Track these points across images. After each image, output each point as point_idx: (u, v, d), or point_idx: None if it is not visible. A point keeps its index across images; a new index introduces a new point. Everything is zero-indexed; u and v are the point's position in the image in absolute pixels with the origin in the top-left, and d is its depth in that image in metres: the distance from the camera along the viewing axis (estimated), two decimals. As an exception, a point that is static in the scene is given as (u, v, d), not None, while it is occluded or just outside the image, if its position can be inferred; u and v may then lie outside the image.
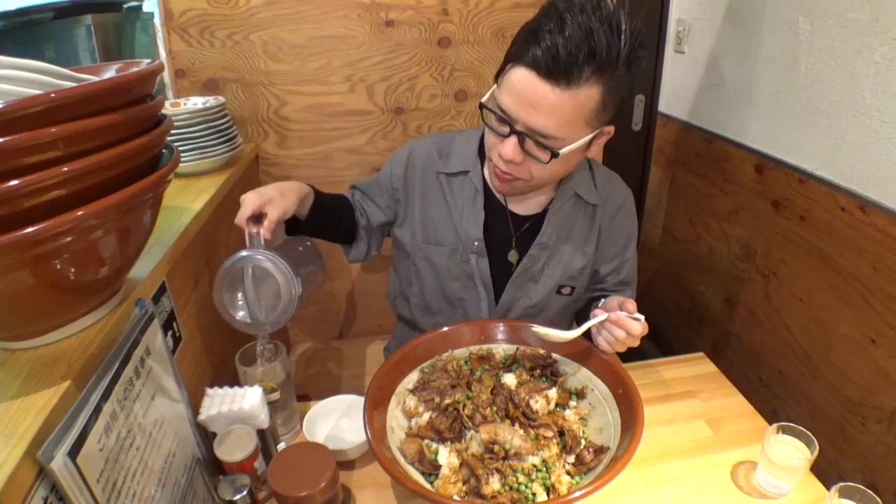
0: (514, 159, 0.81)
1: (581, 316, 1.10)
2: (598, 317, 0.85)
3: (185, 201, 0.95)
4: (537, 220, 0.99)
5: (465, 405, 0.79)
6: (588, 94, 0.75)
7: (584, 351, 0.88)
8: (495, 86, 0.83)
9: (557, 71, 0.72)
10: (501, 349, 0.92)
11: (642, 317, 0.84)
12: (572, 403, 0.84)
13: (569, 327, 1.15)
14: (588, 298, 1.09)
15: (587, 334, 0.87)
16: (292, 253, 0.91)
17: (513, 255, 1.01)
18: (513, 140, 0.80)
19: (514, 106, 0.78)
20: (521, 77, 0.75)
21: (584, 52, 0.71)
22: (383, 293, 1.23)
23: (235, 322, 0.80)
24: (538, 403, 0.79)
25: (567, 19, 0.71)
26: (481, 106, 0.83)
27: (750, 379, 1.43)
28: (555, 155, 0.79)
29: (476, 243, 0.99)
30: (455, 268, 1.02)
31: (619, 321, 0.83)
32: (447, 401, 0.80)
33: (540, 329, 0.86)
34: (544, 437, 0.75)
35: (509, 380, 0.84)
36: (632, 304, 0.85)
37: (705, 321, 1.64)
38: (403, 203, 1.04)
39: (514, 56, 0.77)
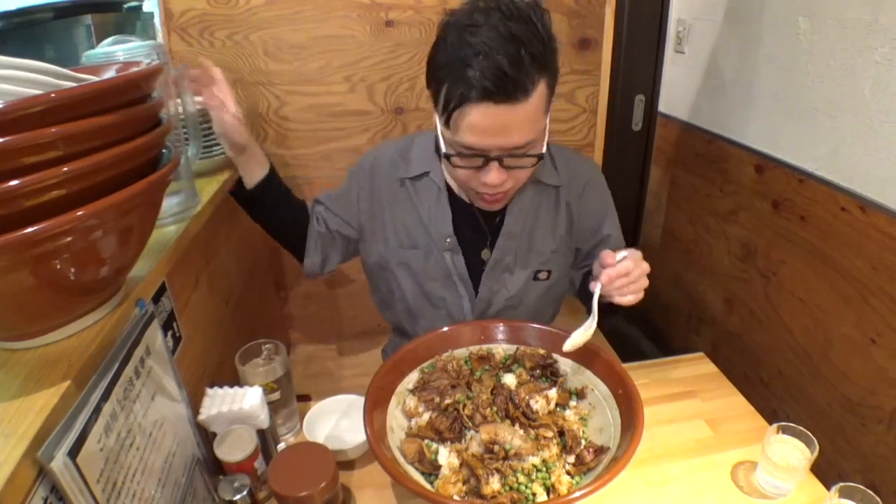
0: (502, 183, 0.82)
1: (584, 294, 1.08)
2: (595, 290, 0.82)
3: (185, 201, 0.95)
4: (504, 213, 0.99)
5: (464, 405, 0.79)
6: (540, 91, 0.76)
7: (585, 351, 0.88)
8: (443, 128, 0.81)
9: (513, 89, 0.72)
10: (501, 349, 0.92)
11: (625, 252, 0.81)
12: (572, 403, 0.84)
13: (553, 315, 1.15)
14: (582, 276, 1.08)
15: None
16: None
17: (486, 253, 1.01)
18: (493, 166, 0.80)
19: (484, 139, 0.77)
20: (480, 112, 0.74)
21: (526, 58, 0.72)
22: (383, 293, 1.24)
23: None
24: (538, 404, 0.79)
25: (486, 36, 0.71)
26: (446, 156, 0.82)
27: (750, 379, 1.43)
28: (540, 157, 0.81)
29: (448, 240, 0.99)
30: (432, 269, 1.02)
31: (611, 276, 0.80)
32: (447, 401, 0.80)
33: (566, 343, 0.83)
34: (544, 438, 0.75)
35: (509, 380, 0.84)
36: (609, 256, 0.81)
37: (705, 321, 1.64)
38: (369, 215, 1.03)
39: (458, 98, 0.75)
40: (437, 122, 0.83)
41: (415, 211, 1.01)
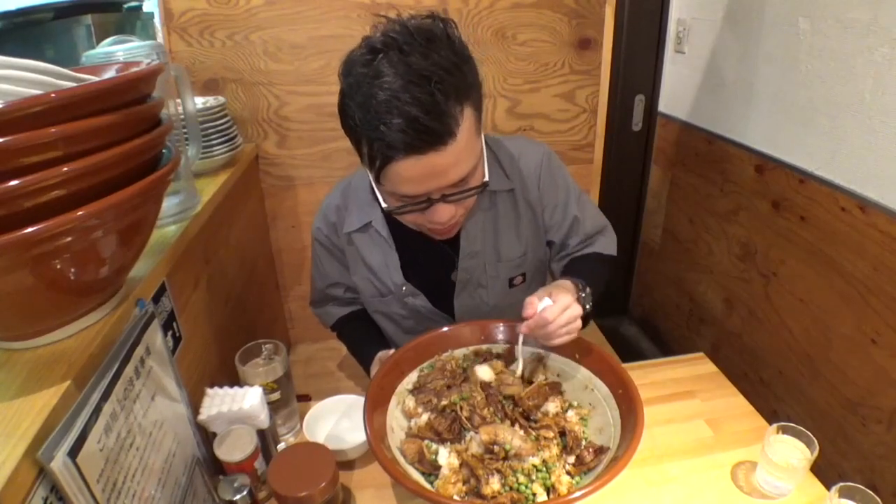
0: (452, 217, 0.79)
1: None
2: (519, 338, 0.82)
3: (185, 201, 0.95)
4: (458, 233, 0.94)
5: (461, 407, 0.79)
6: (467, 121, 0.70)
7: (585, 351, 0.88)
8: (375, 184, 0.77)
9: (436, 138, 0.67)
10: (500, 348, 0.91)
11: (548, 301, 0.78)
12: (574, 403, 0.84)
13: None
14: (563, 268, 1.05)
15: None
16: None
17: (455, 275, 0.99)
18: (438, 206, 0.76)
19: (420, 187, 0.73)
20: (408, 166, 0.69)
21: (440, 97, 0.65)
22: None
23: None
24: (556, 407, 0.80)
25: (392, 87, 0.65)
26: (387, 211, 0.80)
27: (750, 379, 1.43)
28: (485, 185, 0.79)
29: (404, 288, 0.98)
30: (403, 311, 1.02)
31: (530, 326, 0.78)
32: (444, 402, 0.80)
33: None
34: (545, 438, 0.75)
35: (484, 374, 0.84)
36: (530, 306, 0.78)
37: (705, 321, 1.64)
38: (347, 267, 1.05)
39: (381, 157, 0.69)
40: (368, 174, 0.78)
41: (366, 264, 1.00)
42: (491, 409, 0.79)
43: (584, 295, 0.86)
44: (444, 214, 0.77)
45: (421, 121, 0.65)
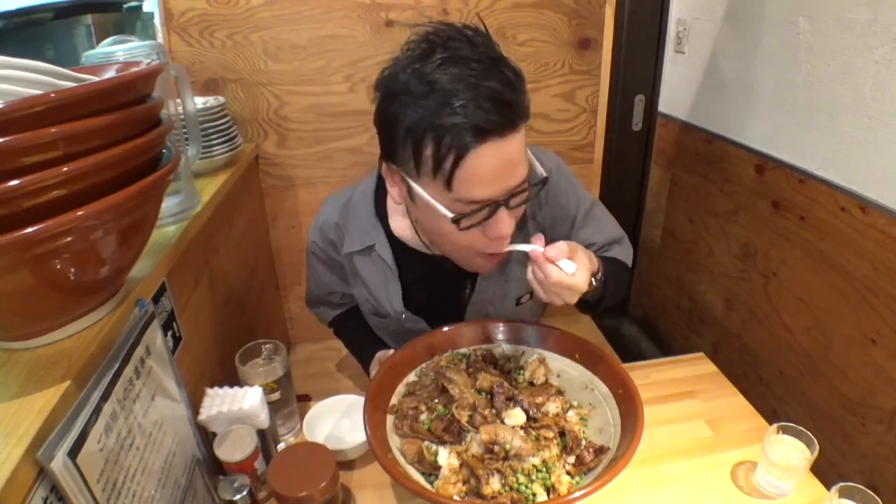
0: (510, 230, 0.72)
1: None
2: (534, 243, 0.71)
3: (185, 201, 0.95)
4: None
5: (459, 413, 0.78)
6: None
7: (585, 351, 0.88)
8: (438, 195, 0.69)
9: (516, 115, 0.64)
10: (502, 348, 0.91)
11: (573, 266, 0.68)
12: (574, 403, 0.84)
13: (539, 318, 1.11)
14: None
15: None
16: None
17: (466, 295, 0.97)
18: (502, 214, 0.69)
19: (495, 186, 0.67)
20: (485, 156, 0.63)
21: (514, 78, 0.64)
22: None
23: None
24: (556, 408, 0.79)
25: (464, 70, 0.62)
26: (456, 221, 0.68)
27: (750, 379, 1.43)
28: (545, 180, 0.73)
29: (404, 316, 0.97)
30: (404, 330, 1.01)
31: (539, 259, 0.69)
32: (438, 407, 0.79)
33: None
34: (545, 438, 0.75)
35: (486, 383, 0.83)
36: (555, 249, 0.68)
37: (705, 321, 1.64)
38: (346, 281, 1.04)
39: (456, 150, 0.63)
40: (419, 189, 0.70)
41: (366, 285, 0.98)
42: (494, 410, 0.79)
43: (594, 281, 0.77)
44: (510, 225, 0.72)
45: (501, 95, 0.61)
